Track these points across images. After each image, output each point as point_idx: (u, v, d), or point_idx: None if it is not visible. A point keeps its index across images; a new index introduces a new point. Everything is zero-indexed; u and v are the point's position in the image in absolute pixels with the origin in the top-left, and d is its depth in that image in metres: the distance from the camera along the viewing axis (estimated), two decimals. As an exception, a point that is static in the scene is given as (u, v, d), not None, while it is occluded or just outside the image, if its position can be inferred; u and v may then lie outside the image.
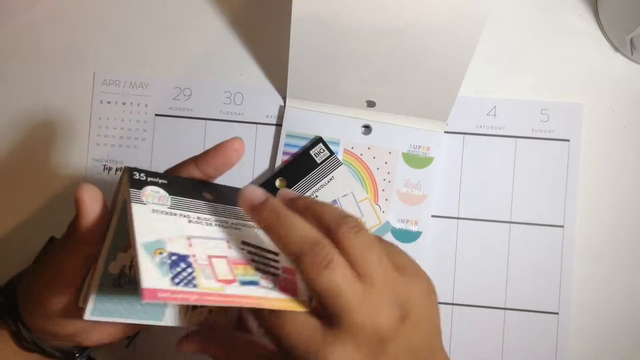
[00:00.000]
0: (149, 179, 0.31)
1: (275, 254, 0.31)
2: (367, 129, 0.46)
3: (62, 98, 0.47)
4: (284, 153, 0.46)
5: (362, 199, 0.44)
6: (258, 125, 0.46)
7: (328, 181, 0.44)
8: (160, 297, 0.26)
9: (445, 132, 0.46)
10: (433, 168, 0.45)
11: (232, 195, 0.34)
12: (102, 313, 0.30)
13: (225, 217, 0.32)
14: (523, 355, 0.44)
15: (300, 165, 0.45)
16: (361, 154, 0.45)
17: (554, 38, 0.47)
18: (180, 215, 0.31)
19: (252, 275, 0.30)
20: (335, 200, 0.44)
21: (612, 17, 0.45)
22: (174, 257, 0.28)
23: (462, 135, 0.46)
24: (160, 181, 0.32)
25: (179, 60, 0.47)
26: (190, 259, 0.28)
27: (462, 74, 0.42)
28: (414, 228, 0.45)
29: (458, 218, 0.45)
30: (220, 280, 0.28)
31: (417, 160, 0.45)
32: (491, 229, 0.45)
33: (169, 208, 0.31)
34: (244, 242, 0.31)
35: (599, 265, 0.45)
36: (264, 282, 0.29)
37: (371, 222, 0.44)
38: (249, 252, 0.31)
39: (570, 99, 0.46)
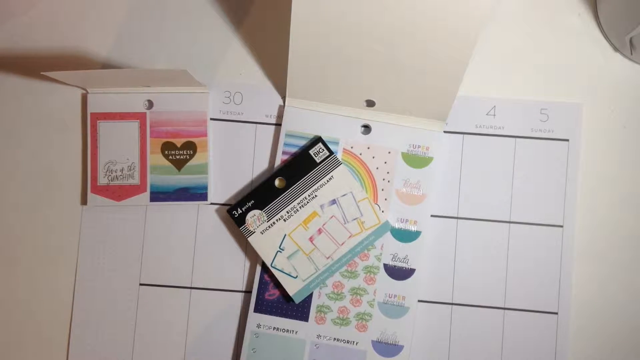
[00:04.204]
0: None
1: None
2: (367, 128, 0.46)
3: (59, 99, 0.47)
4: (284, 152, 0.46)
5: (361, 198, 0.44)
6: (257, 125, 0.47)
7: (327, 181, 0.44)
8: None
9: (445, 131, 0.46)
10: (432, 168, 0.45)
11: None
12: None
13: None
14: (522, 355, 0.44)
15: (300, 164, 0.45)
16: (360, 154, 0.45)
17: (553, 38, 0.47)
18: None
19: None
20: (334, 199, 0.44)
21: (611, 17, 0.45)
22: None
23: (462, 135, 0.46)
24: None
25: (179, 60, 0.47)
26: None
27: (462, 74, 0.42)
28: (413, 228, 0.45)
29: (457, 218, 0.45)
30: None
31: (416, 160, 0.45)
32: (490, 229, 0.45)
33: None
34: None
35: (599, 265, 0.45)
36: None
37: (370, 222, 0.44)
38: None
39: (569, 98, 0.46)
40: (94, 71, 0.42)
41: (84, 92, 0.47)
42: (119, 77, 0.43)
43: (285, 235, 0.44)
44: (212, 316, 0.45)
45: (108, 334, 0.46)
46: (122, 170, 0.46)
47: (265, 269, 0.45)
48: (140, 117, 0.46)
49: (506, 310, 0.45)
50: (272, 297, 0.45)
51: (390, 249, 0.45)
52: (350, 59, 0.43)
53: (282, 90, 0.47)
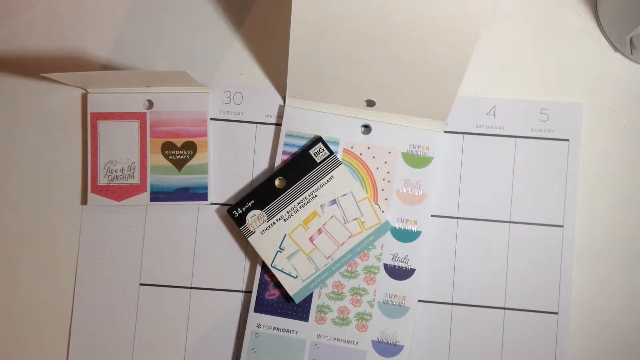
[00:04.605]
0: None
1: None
2: (367, 128, 0.46)
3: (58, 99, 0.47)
4: (284, 152, 0.46)
5: (361, 198, 0.44)
6: (258, 125, 0.47)
7: (327, 181, 0.44)
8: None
9: (445, 131, 0.46)
10: (432, 168, 0.45)
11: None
12: None
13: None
14: (522, 355, 0.44)
15: (300, 164, 0.45)
16: (361, 154, 0.45)
17: (553, 38, 0.47)
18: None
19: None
20: (334, 199, 0.44)
21: (611, 17, 0.45)
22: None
23: (462, 134, 0.46)
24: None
25: (179, 60, 0.47)
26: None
27: (462, 74, 0.42)
28: (413, 228, 0.45)
29: (457, 218, 0.45)
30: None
31: (416, 160, 0.45)
32: (491, 229, 0.45)
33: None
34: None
35: (599, 265, 0.45)
36: None
37: (371, 222, 0.44)
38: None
39: (569, 98, 0.46)
40: (94, 73, 0.42)
41: (84, 92, 0.47)
42: (119, 78, 0.43)
43: (285, 235, 0.44)
44: (212, 316, 0.45)
45: (108, 334, 0.46)
46: (122, 170, 0.46)
47: (265, 269, 0.45)
48: (140, 117, 0.46)
49: (506, 310, 0.45)
50: (272, 297, 0.45)
51: (390, 249, 0.45)
52: (350, 59, 0.43)
53: (282, 90, 0.47)
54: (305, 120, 0.46)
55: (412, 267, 0.45)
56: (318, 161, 0.45)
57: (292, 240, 0.44)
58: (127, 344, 0.45)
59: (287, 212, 0.44)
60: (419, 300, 0.45)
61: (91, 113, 0.46)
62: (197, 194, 0.46)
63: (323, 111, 0.46)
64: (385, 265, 0.45)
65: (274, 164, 0.46)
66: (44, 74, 0.40)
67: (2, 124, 0.47)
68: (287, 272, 0.44)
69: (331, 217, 0.44)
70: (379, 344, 0.44)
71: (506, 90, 0.46)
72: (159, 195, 0.46)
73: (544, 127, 0.46)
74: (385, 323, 0.44)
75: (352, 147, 0.45)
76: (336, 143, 0.46)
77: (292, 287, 0.44)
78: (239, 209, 0.44)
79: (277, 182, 0.45)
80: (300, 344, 0.44)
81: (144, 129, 0.46)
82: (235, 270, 0.46)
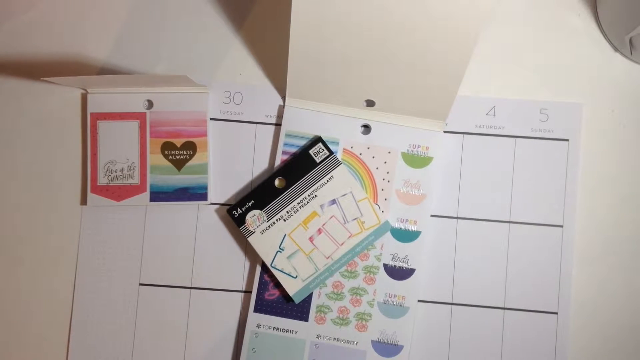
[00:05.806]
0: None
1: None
2: (367, 128, 0.46)
3: (58, 99, 0.47)
4: (284, 152, 0.46)
5: (361, 198, 0.44)
6: (257, 125, 0.47)
7: (327, 181, 0.44)
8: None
9: (445, 131, 0.46)
10: (432, 168, 0.45)
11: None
12: None
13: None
14: (522, 355, 0.44)
15: (300, 164, 0.45)
16: (360, 154, 0.45)
17: (553, 38, 0.47)
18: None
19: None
20: (334, 199, 0.44)
21: (611, 17, 0.45)
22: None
23: (462, 134, 0.46)
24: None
25: (179, 60, 0.47)
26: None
27: (462, 73, 0.42)
28: (413, 228, 0.45)
29: (457, 218, 0.45)
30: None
31: (416, 160, 0.45)
32: (490, 229, 0.45)
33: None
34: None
35: (599, 265, 0.45)
36: None
37: (370, 222, 0.44)
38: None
39: (569, 98, 0.46)
40: (94, 77, 0.42)
41: (84, 92, 0.47)
42: (119, 81, 0.43)
43: (285, 235, 0.44)
44: (212, 316, 0.45)
45: (108, 334, 0.46)
46: (122, 170, 0.46)
47: (265, 269, 0.45)
48: (140, 117, 0.46)
49: (506, 310, 0.45)
50: (272, 297, 0.45)
51: (390, 249, 0.45)
52: (350, 59, 0.43)
53: (282, 90, 0.47)
54: (305, 120, 0.46)
55: (412, 267, 0.45)
56: (318, 161, 0.45)
57: (292, 240, 0.44)
58: (127, 344, 0.45)
59: (287, 212, 0.44)
60: (419, 300, 0.45)
61: (91, 113, 0.46)
62: (196, 194, 0.46)
63: (323, 111, 0.46)
64: (385, 265, 0.45)
65: (273, 164, 0.46)
66: (44, 79, 0.40)
67: (2, 124, 0.47)
68: (287, 272, 0.44)
69: (331, 217, 0.44)
70: (379, 344, 0.44)
71: (506, 90, 0.46)
72: (159, 195, 0.46)
73: (544, 127, 0.46)
74: (385, 323, 0.44)
75: (351, 147, 0.45)
76: (336, 143, 0.46)
77: (292, 287, 0.44)
78: (238, 209, 0.44)
79: (277, 182, 0.45)
80: (300, 344, 0.44)
81: (144, 129, 0.46)
82: (235, 270, 0.46)
